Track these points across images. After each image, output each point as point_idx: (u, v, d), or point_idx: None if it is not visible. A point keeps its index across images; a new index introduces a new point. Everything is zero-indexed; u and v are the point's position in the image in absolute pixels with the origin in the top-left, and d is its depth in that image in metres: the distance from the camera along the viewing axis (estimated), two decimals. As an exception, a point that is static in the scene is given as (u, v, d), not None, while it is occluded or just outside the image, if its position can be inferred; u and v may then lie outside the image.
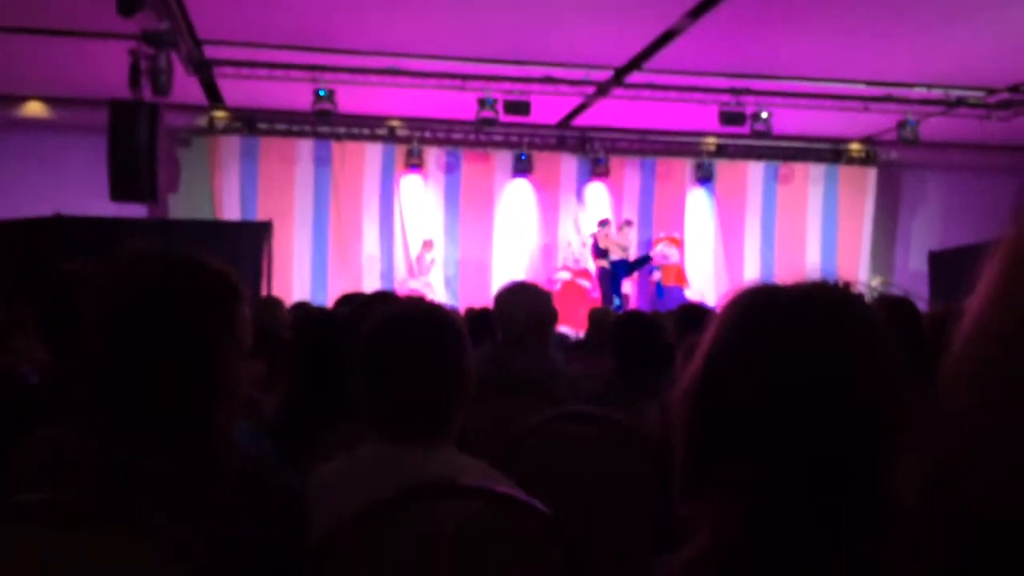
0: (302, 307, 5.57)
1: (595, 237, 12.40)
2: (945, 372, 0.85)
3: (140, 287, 1.40)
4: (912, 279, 13.01)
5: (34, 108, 11.31)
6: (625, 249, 12.41)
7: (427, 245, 12.22)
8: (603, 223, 12.40)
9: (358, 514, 1.39)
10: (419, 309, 1.75)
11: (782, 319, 0.99)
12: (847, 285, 1.06)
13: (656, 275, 12.64)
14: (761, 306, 1.01)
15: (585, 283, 12.59)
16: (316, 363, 2.29)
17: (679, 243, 12.85)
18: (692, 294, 12.67)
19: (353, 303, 3.40)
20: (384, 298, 2.66)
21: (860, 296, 1.05)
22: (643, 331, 3.20)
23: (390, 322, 1.69)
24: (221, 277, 1.46)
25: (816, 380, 0.95)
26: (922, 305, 11.69)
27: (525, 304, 3.00)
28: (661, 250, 12.69)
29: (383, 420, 1.65)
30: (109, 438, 1.37)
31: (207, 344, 1.40)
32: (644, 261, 12.65)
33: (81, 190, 10.44)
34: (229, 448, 1.43)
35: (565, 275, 12.51)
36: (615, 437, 2.20)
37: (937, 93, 10.70)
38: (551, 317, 3.18)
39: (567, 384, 2.91)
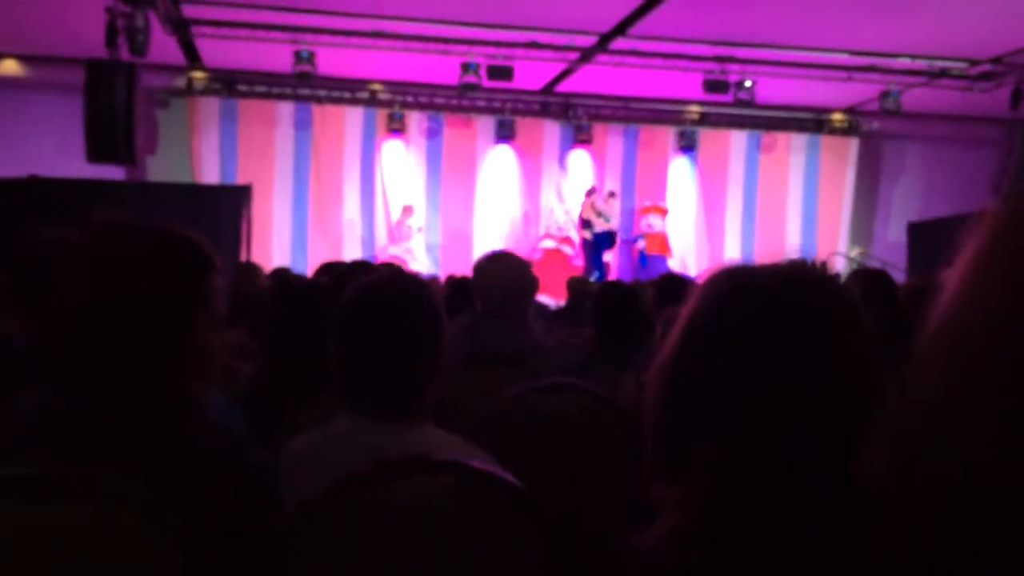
0: (281, 274, 5.53)
1: (581, 206, 12.37)
2: (923, 347, 0.86)
3: (111, 258, 1.39)
4: (891, 250, 13.09)
5: (8, 67, 11.10)
6: (609, 220, 12.39)
7: (407, 211, 12.16)
8: (590, 192, 12.38)
9: (329, 489, 1.39)
10: (392, 284, 1.73)
11: (758, 300, 0.98)
12: (824, 265, 1.05)
13: (640, 244, 12.66)
14: (738, 286, 1.01)
15: (568, 250, 12.59)
16: (294, 334, 2.27)
17: (664, 212, 12.85)
18: (674, 263, 12.71)
19: (333, 272, 3.37)
20: (364, 268, 2.63)
21: (837, 276, 1.04)
22: (622, 302, 3.20)
23: (362, 297, 1.68)
24: (193, 248, 1.45)
25: (791, 362, 0.95)
26: (900, 276, 11.82)
27: (504, 274, 2.98)
28: (646, 222, 12.69)
29: (356, 396, 1.64)
30: (79, 408, 1.36)
31: (179, 315, 1.39)
32: (622, 241, 12.66)
33: (57, 151, 10.29)
34: (199, 420, 1.42)
35: (549, 243, 12.51)
36: (592, 409, 2.21)
37: (920, 64, 10.70)
38: (531, 287, 3.16)
39: (545, 356, 2.90)
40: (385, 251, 12.10)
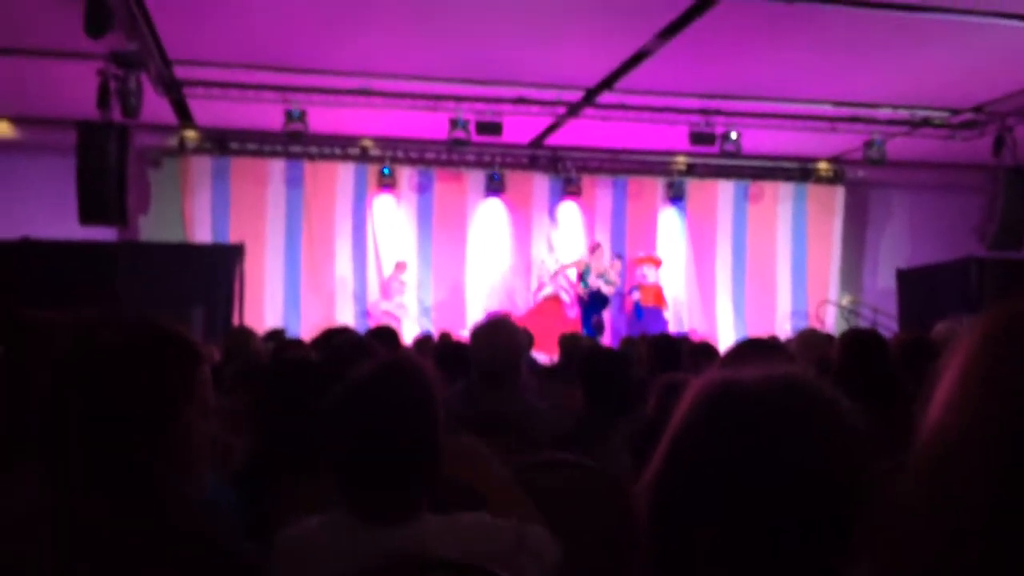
0: (276, 340, 5.53)
1: (583, 263, 12.33)
2: (914, 455, 0.87)
3: (95, 359, 1.39)
4: (881, 297, 13.17)
5: (1, 129, 11.18)
6: (612, 284, 12.37)
7: (400, 267, 12.20)
8: (594, 248, 12.37)
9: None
10: (387, 380, 1.69)
11: (746, 416, 1.00)
12: (812, 376, 1.06)
13: (635, 295, 12.67)
14: (724, 405, 1.02)
15: (565, 297, 12.63)
16: (287, 413, 2.27)
17: (658, 263, 12.90)
18: (668, 313, 12.74)
19: (327, 348, 3.37)
20: (360, 349, 2.62)
21: (824, 384, 1.05)
22: (609, 371, 3.21)
23: (356, 395, 1.67)
24: (177, 343, 1.45)
25: (782, 477, 0.96)
26: (891, 323, 11.87)
27: (500, 342, 3.02)
28: (640, 272, 12.72)
29: (354, 493, 1.63)
30: (64, 502, 1.35)
31: (165, 411, 1.40)
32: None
33: (50, 212, 10.31)
34: (187, 511, 1.41)
35: (548, 290, 12.54)
36: (586, 484, 2.21)
37: (903, 113, 10.88)
38: (524, 350, 3.19)
39: (540, 421, 2.91)
40: (377, 307, 12.11)
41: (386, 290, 12.27)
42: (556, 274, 12.54)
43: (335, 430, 1.65)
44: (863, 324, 11.47)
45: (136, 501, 1.36)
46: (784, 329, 12.33)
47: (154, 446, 1.38)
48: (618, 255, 12.74)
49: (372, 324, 10.65)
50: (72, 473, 1.37)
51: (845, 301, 13.41)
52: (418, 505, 1.62)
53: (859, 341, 3.17)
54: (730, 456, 0.97)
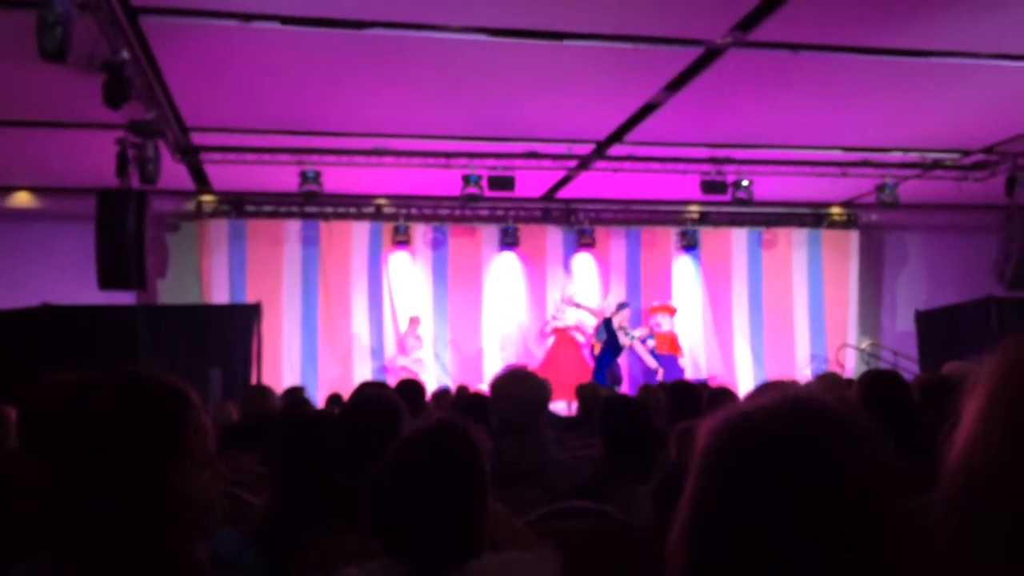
0: (293, 397, 5.54)
1: (611, 317, 12.29)
2: (940, 493, 0.86)
3: (80, 417, 1.37)
4: (900, 339, 13.07)
5: (21, 199, 11.38)
6: (631, 337, 12.37)
7: (414, 322, 12.24)
8: (622, 305, 12.34)
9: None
10: (435, 444, 1.73)
11: (757, 444, 0.97)
12: (824, 399, 1.03)
13: (650, 344, 12.65)
14: (734, 439, 0.99)
15: (580, 337, 12.62)
16: (305, 467, 2.27)
17: (673, 311, 12.88)
18: (684, 362, 12.68)
19: (344, 403, 3.37)
20: (385, 404, 2.63)
21: (838, 408, 1.02)
22: (628, 419, 3.20)
23: (404, 460, 1.68)
24: (164, 392, 1.40)
25: (805, 511, 0.93)
26: (912, 365, 11.76)
27: (520, 394, 3.02)
28: (654, 321, 12.71)
29: (410, 544, 1.63)
30: (64, 571, 1.32)
31: (156, 465, 1.35)
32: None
33: (69, 279, 10.45)
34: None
35: (558, 323, 12.55)
36: (609, 532, 2.19)
37: (913, 156, 10.90)
38: (544, 402, 3.18)
39: (561, 471, 2.90)
40: (395, 362, 12.12)
41: (403, 346, 12.29)
42: (566, 303, 12.49)
43: (391, 488, 1.65)
44: (884, 367, 11.36)
45: (145, 570, 1.33)
46: (804, 374, 12.24)
47: (152, 504, 1.33)
48: (625, 304, 12.68)
49: (390, 379, 10.65)
50: (74, 541, 1.33)
51: (864, 345, 13.30)
52: (476, 554, 1.63)
53: (878, 381, 3.15)
54: (747, 489, 0.95)
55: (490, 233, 12.85)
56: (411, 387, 4.85)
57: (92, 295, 9.17)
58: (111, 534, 1.32)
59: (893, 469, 1.00)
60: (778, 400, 1.02)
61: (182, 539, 1.36)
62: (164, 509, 1.34)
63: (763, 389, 2.40)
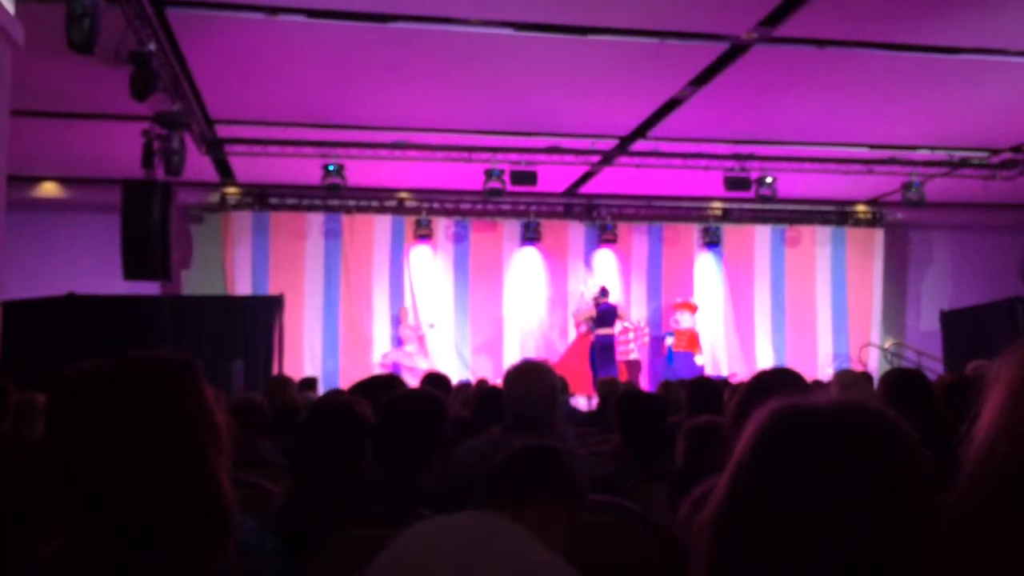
0: (307, 387, 5.56)
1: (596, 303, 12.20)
2: (961, 485, 0.85)
3: (77, 411, 1.39)
4: (924, 339, 12.95)
5: (48, 189, 11.50)
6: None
7: (403, 313, 12.29)
8: (604, 291, 12.25)
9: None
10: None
11: (809, 449, 0.95)
12: (875, 407, 1.01)
13: (669, 340, 12.61)
14: (788, 431, 0.98)
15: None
16: (327, 458, 2.27)
17: (694, 309, 12.81)
18: (704, 359, 12.61)
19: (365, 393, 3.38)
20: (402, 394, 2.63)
21: (888, 415, 0.99)
22: (646, 413, 3.18)
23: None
24: (163, 369, 1.41)
25: (846, 511, 0.92)
26: (937, 365, 11.64)
27: (532, 386, 3.00)
28: (674, 318, 12.67)
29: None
30: (97, 553, 1.33)
31: (166, 451, 1.35)
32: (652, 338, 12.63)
33: (94, 269, 10.56)
34: (225, 555, 1.38)
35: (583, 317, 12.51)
36: (629, 527, 2.19)
37: (940, 155, 10.79)
38: (558, 395, 3.16)
39: (577, 467, 2.88)
40: (388, 357, 12.08)
41: (419, 342, 12.36)
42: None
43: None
44: (907, 366, 11.27)
45: (168, 550, 1.33)
46: (827, 372, 12.16)
47: (162, 480, 1.33)
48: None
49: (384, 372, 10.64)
50: (91, 519, 1.34)
51: (888, 344, 13.19)
52: None
53: (902, 380, 3.12)
54: (801, 482, 0.93)
55: (512, 228, 12.86)
56: (438, 380, 4.88)
57: (117, 285, 9.25)
58: (129, 512, 1.33)
59: (935, 479, 0.98)
60: (844, 399, 1.00)
61: (210, 514, 1.37)
62: (180, 478, 1.35)
63: (767, 376, 2.31)
